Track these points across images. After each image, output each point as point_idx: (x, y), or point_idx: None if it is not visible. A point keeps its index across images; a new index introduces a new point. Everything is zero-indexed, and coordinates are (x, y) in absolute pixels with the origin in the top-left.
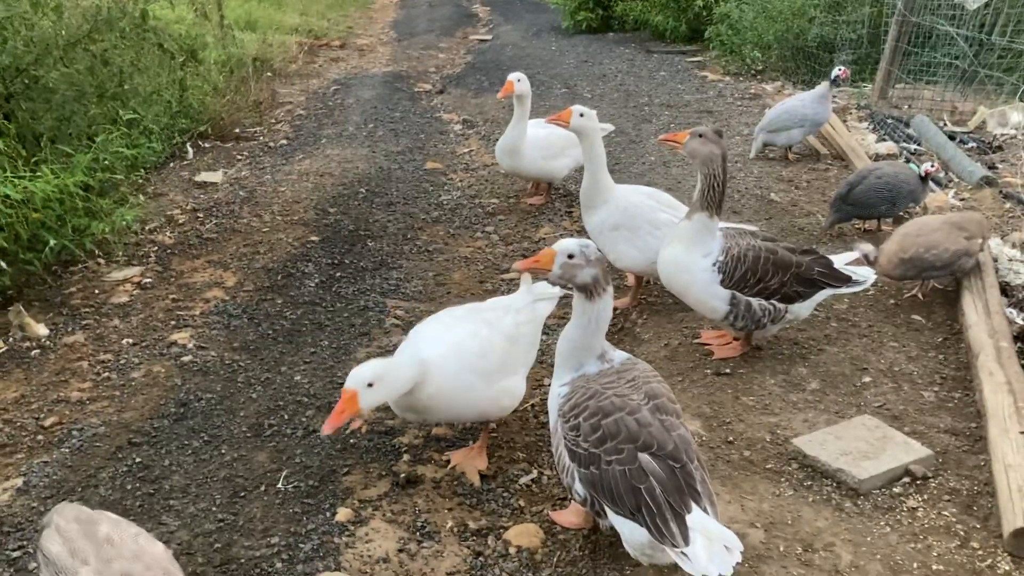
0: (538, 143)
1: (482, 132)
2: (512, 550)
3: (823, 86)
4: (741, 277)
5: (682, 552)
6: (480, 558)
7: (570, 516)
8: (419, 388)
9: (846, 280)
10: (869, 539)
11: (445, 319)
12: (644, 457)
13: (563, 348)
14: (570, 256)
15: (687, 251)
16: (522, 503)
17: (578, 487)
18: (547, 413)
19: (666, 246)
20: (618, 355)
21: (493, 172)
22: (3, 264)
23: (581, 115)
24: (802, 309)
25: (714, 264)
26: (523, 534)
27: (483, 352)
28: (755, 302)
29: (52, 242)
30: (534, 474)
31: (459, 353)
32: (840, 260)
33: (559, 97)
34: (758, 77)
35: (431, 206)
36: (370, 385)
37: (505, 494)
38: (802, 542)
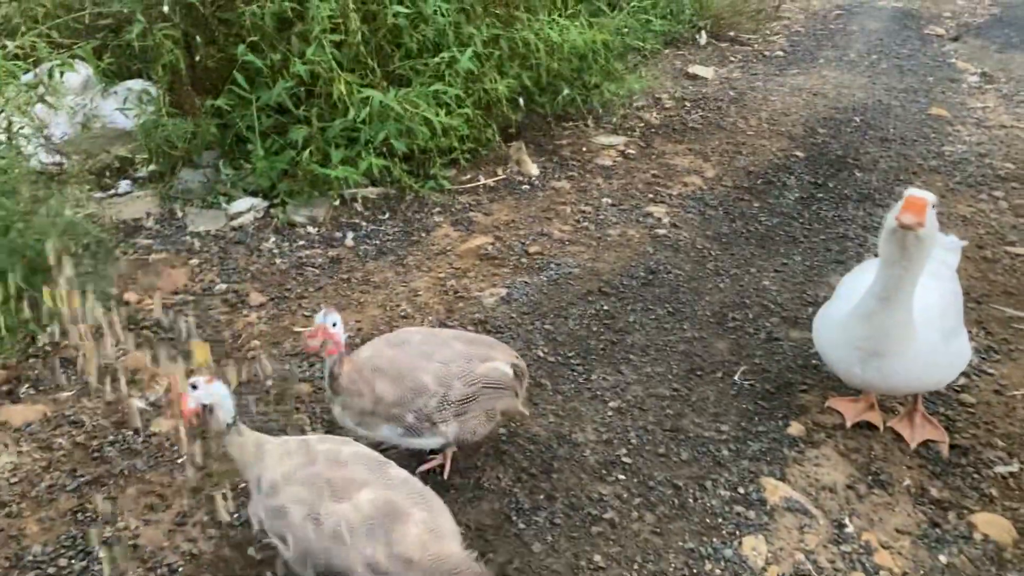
0: None
1: (1003, 90)
2: (977, 536)
3: None
4: None
5: None
6: (937, 529)
7: None
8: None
9: None
10: None
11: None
12: None
13: None
14: None
15: None
16: (994, 492)
17: None
18: None
19: None
20: None
21: (1012, 134)
22: (521, 101)
23: None
24: None
25: None
26: (992, 524)
27: (944, 309)
28: None
29: (566, 91)
30: (1014, 467)
31: (926, 311)
32: None
33: None
34: None
35: (930, 153)
36: None
37: (975, 476)
38: None
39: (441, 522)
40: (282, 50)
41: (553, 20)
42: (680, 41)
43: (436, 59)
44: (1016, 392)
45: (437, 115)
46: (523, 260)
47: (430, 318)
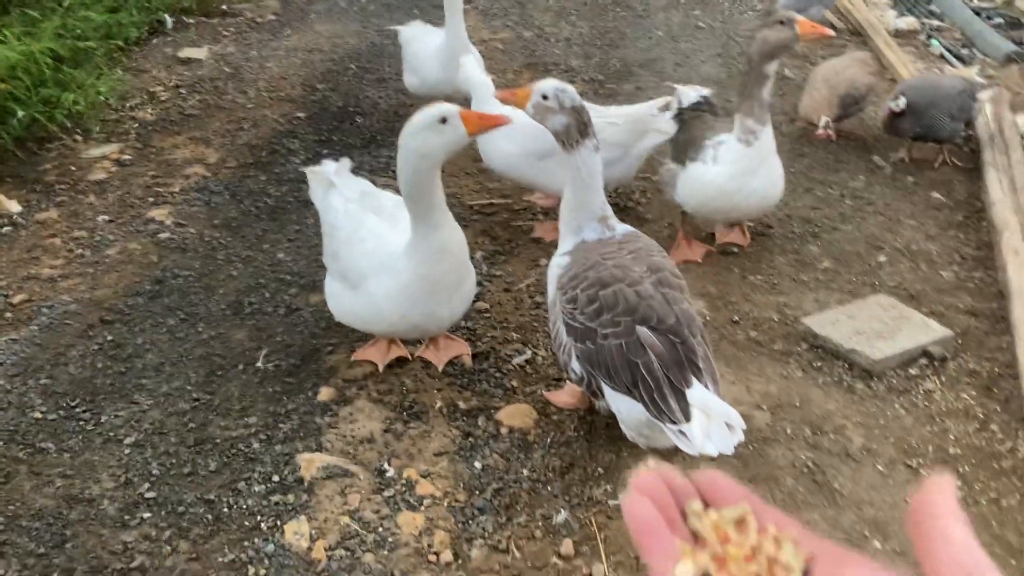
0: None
1: (480, 6)
2: (503, 431)
3: None
4: None
5: (680, 431)
6: (470, 439)
7: (565, 396)
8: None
9: None
10: (882, 422)
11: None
12: (642, 330)
13: (561, 209)
14: (544, 97)
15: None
16: (515, 384)
17: (574, 365)
18: (542, 293)
19: (709, 171)
20: (621, 226)
21: (491, 48)
22: None
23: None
24: None
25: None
26: (515, 414)
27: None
28: None
29: (20, 113)
30: (528, 354)
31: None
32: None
33: None
34: None
35: None
36: None
37: (497, 374)
38: (811, 425)
39: None
40: None
41: None
42: (163, 26)
43: None
44: (521, 285)
45: None
46: (7, 315)
47: None
